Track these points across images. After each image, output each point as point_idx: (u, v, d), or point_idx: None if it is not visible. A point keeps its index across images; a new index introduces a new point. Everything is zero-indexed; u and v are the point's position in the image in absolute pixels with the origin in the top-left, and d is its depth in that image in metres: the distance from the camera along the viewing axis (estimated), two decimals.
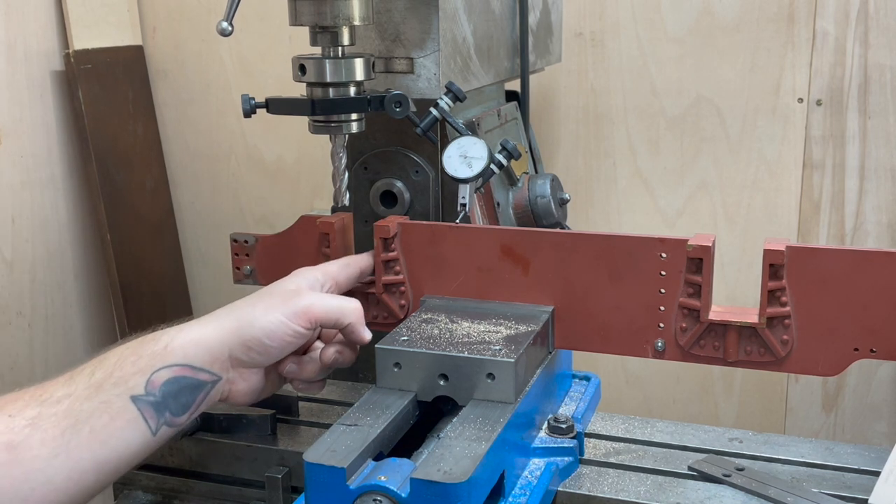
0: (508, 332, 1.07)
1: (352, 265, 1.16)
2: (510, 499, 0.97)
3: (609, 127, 1.91)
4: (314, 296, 1.04)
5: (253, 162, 2.17)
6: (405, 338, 1.05)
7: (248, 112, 1.20)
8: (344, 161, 1.24)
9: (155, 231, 2.17)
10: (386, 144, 1.32)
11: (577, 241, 1.12)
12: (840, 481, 1.07)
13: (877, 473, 0.98)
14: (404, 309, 1.20)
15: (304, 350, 1.10)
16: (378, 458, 0.92)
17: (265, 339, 1.00)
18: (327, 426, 0.97)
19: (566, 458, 1.08)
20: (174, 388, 0.95)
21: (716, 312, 1.08)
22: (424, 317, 1.12)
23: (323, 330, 1.12)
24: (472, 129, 1.31)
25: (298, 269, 1.12)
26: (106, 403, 0.92)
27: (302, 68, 1.18)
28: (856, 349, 1.04)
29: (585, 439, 1.15)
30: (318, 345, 1.12)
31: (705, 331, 1.08)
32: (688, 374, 1.94)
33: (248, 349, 1.00)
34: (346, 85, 1.18)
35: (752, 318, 1.06)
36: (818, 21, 1.73)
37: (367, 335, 1.08)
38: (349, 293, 1.15)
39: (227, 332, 0.99)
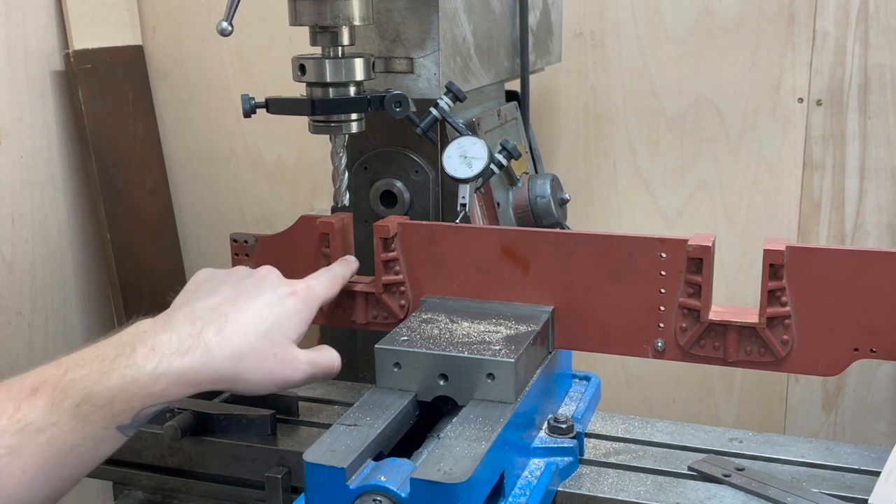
0: (508, 332, 1.07)
1: (335, 285, 1.13)
2: (510, 499, 0.97)
3: (609, 127, 1.91)
4: (301, 367, 1.02)
5: (253, 162, 2.17)
6: (405, 338, 1.05)
7: (248, 112, 1.20)
8: (344, 161, 1.24)
9: (155, 231, 2.17)
10: (386, 144, 1.32)
11: (577, 241, 1.12)
12: (840, 481, 1.07)
13: (877, 473, 0.98)
14: (404, 309, 1.20)
15: None
16: (378, 458, 0.92)
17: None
18: (327, 426, 0.97)
19: (566, 458, 1.08)
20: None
21: (716, 312, 1.08)
22: (424, 317, 1.12)
23: None
24: (472, 129, 1.31)
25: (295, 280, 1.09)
26: (93, 435, 0.92)
27: (302, 68, 1.18)
28: (856, 349, 1.04)
29: (585, 439, 1.15)
30: None
31: (705, 331, 1.08)
32: (688, 374, 1.94)
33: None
34: (346, 85, 1.18)
35: (752, 318, 1.06)
36: (818, 21, 1.73)
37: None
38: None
39: (218, 377, 0.98)
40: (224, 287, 1.06)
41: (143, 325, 1.00)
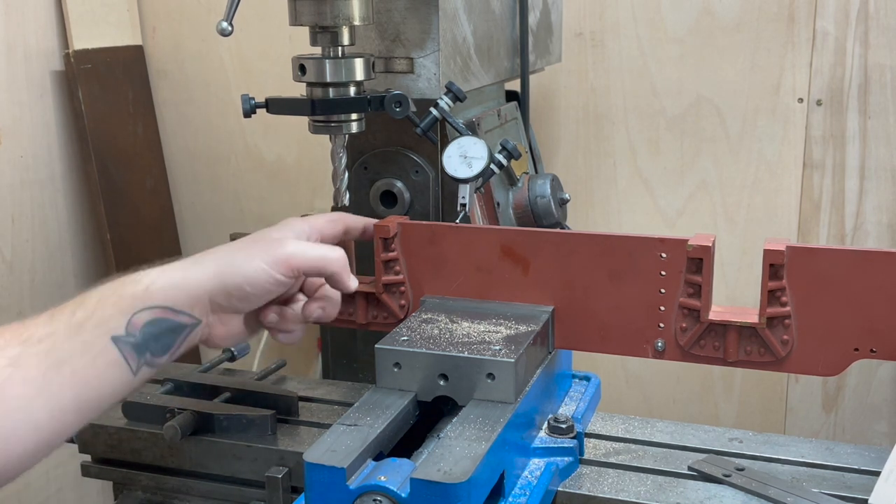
0: (508, 332, 1.07)
1: (338, 221, 1.15)
2: (510, 499, 0.97)
3: (609, 127, 1.91)
4: (297, 245, 1.04)
5: (253, 162, 2.17)
6: (405, 338, 1.05)
7: (248, 112, 1.20)
8: (344, 161, 1.24)
9: (155, 231, 2.17)
10: (386, 144, 1.32)
11: (577, 241, 1.12)
12: (840, 481, 1.07)
13: (877, 473, 0.98)
14: (404, 309, 1.20)
15: (285, 300, 1.10)
16: (378, 458, 0.92)
17: (246, 286, 1.00)
18: (327, 426, 0.97)
19: (566, 458, 1.08)
20: (154, 329, 0.95)
21: (716, 312, 1.08)
22: (424, 317, 1.12)
23: (307, 282, 1.11)
24: (472, 129, 1.31)
25: (284, 219, 1.11)
26: (87, 343, 0.92)
27: (302, 68, 1.18)
28: (856, 349, 1.04)
29: (585, 439, 1.15)
30: (300, 297, 1.12)
31: (705, 331, 1.08)
32: (688, 374, 1.94)
33: (228, 295, 1.00)
34: (346, 85, 1.18)
35: (752, 318, 1.06)
36: (818, 21, 1.73)
37: (352, 284, 1.07)
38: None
39: (208, 277, 0.99)
40: None
41: None
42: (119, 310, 0.94)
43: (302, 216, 1.30)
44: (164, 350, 0.97)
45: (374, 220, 1.20)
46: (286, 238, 1.05)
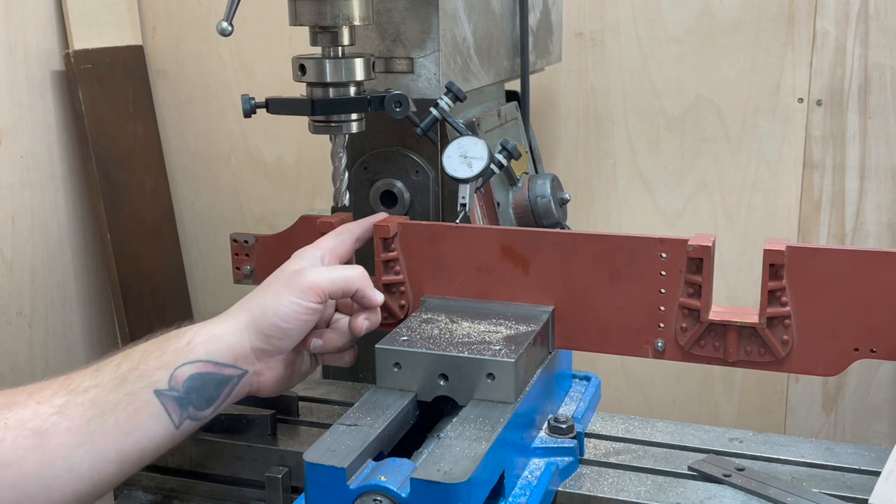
0: (508, 332, 1.07)
1: (345, 234, 1.17)
2: (510, 499, 0.97)
3: (609, 127, 1.91)
4: (317, 271, 1.06)
5: (253, 162, 2.17)
6: (405, 338, 1.05)
7: (248, 112, 1.20)
8: (344, 161, 1.24)
9: (155, 231, 2.17)
10: (386, 144, 1.32)
11: (577, 241, 1.12)
12: (840, 481, 1.07)
13: (877, 473, 0.98)
14: (404, 309, 1.20)
15: (325, 324, 1.13)
16: (378, 458, 0.92)
17: (282, 324, 1.02)
18: (327, 426, 0.97)
19: (566, 458, 1.08)
20: (198, 383, 0.97)
21: (716, 312, 1.08)
22: (424, 317, 1.12)
23: (339, 303, 1.14)
24: (472, 129, 1.31)
25: (298, 250, 1.13)
26: (131, 395, 0.93)
27: (302, 68, 1.18)
28: (856, 349, 1.04)
29: (585, 439, 1.15)
30: (339, 316, 1.15)
31: (705, 331, 1.08)
32: (688, 374, 1.94)
33: (267, 337, 1.02)
34: (346, 85, 1.18)
35: (752, 318, 1.06)
36: (818, 21, 1.73)
37: (378, 297, 1.10)
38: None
39: (244, 326, 1.02)
40: None
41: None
42: (162, 364, 0.96)
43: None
44: (209, 403, 0.99)
45: (376, 217, 1.21)
46: (304, 268, 1.07)
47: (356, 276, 1.08)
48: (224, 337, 1.00)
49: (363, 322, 1.10)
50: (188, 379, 0.96)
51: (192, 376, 0.97)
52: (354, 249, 1.18)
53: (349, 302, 1.13)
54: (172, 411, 0.95)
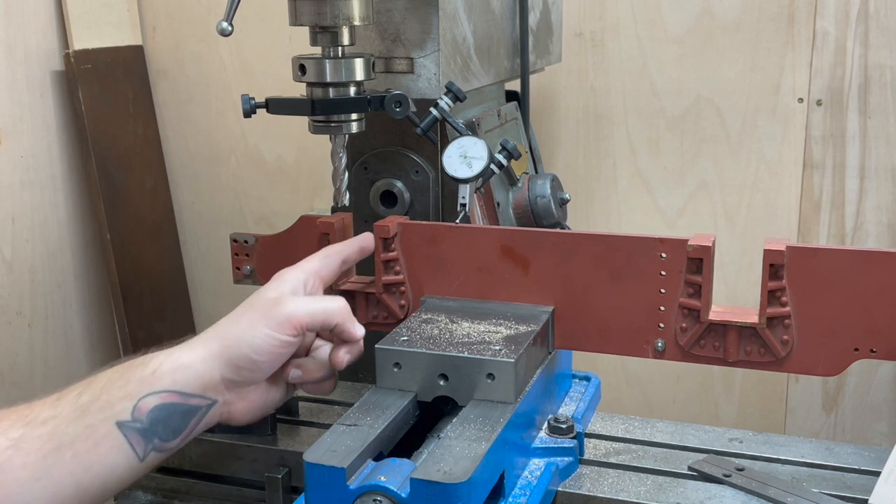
0: (508, 332, 1.07)
1: (332, 256, 1.12)
2: (510, 499, 0.97)
3: (609, 127, 1.91)
4: (296, 302, 1.00)
5: (253, 162, 2.17)
6: (405, 338, 1.05)
7: (248, 112, 1.20)
8: (344, 161, 1.24)
9: (155, 231, 2.17)
10: (386, 144, 1.32)
11: (577, 241, 1.12)
12: (840, 481, 1.07)
13: (877, 473, 0.98)
14: (404, 309, 1.20)
15: (305, 352, 1.08)
16: (378, 458, 0.92)
17: (254, 356, 0.97)
18: (327, 426, 0.97)
19: (566, 459, 1.08)
20: (163, 413, 0.93)
21: (716, 312, 1.08)
22: (424, 317, 1.12)
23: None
24: (472, 129, 1.31)
25: (279, 271, 1.08)
26: (91, 428, 0.89)
27: (302, 68, 1.18)
28: (856, 349, 1.04)
29: (585, 439, 1.15)
30: (320, 343, 1.10)
31: (705, 331, 1.08)
32: (688, 374, 1.94)
33: (238, 368, 0.97)
34: (346, 85, 1.18)
35: (752, 318, 1.06)
36: (818, 21, 1.73)
37: (358, 332, 1.04)
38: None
39: (214, 355, 0.96)
40: None
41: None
42: (125, 394, 0.92)
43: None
44: (175, 434, 0.94)
45: (363, 237, 1.17)
46: (283, 296, 1.01)
47: (336, 309, 1.02)
48: (193, 365, 0.95)
49: (344, 356, 1.04)
50: (153, 410, 0.92)
51: (157, 407, 0.92)
52: (342, 271, 1.13)
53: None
54: (136, 443, 0.91)
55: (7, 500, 0.85)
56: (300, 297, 1.03)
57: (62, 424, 0.89)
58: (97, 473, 0.90)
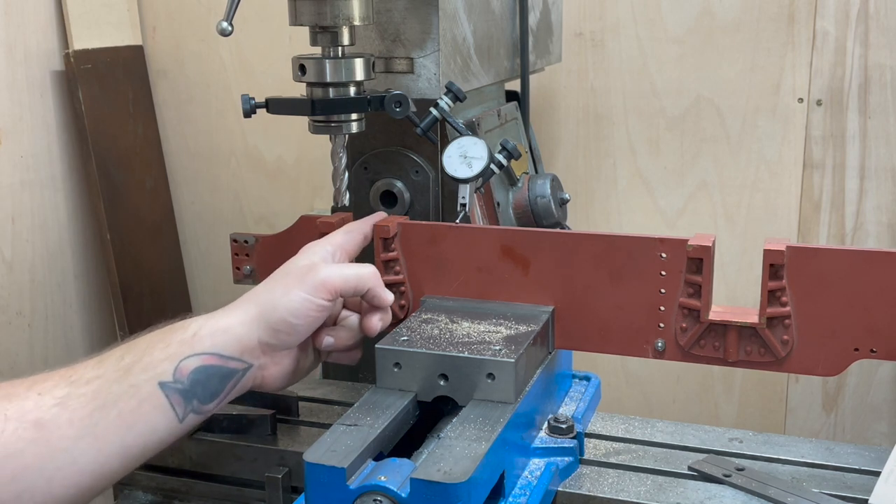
0: (508, 332, 1.07)
1: (354, 231, 1.16)
2: (510, 499, 0.97)
3: (609, 127, 1.91)
4: (330, 268, 1.04)
5: (253, 162, 2.17)
6: (405, 338, 1.05)
7: (248, 112, 1.20)
8: (344, 161, 1.24)
9: (155, 231, 2.17)
10: (386, 144, 1.32)
11: (577, 241, 1.12)
12: (840, 481, 1.07)
13: (877, 473, 0.98)
14: (404, 309, 1.20)
15: (333, 321, 1.12)
16: (378, 458, 0.92)
17: (291, 319, 1.00)
18: (327, 426, 0.97)
19: (566, 459, 1.08)
20: (202, 376, 0.96)
21: (716, 312, 1.08)
22: (424, 317, 1.12)
23: (348, 299, 1.13)
24: (472, 129, 1.31)
25: (307, 244, 1.12)
26: (134, 387, 0.92)
27: (302, 68, 1.18)
28: (856, 349, 1.04)
29: (585, 439, 1.15)
30: (347, 313, 1.13)
31: (705, 331, 1.08)
32: (688, 374, 1.94)
33: (275, 332, 1.00)
34: (346, 85, 1.18)
35: (752, 318, 1.06)
36: (818, 21, 1.73)
37: (388, 297, 1.09)
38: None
39: (253, 319, 1.00)
40: None
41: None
42: (167, 356, 0.95)
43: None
44: (213, 397, 0.97)
45: (378, 214, 1.21)
46: (316, 264, 1.06)
47: (368, 274, 1.06)
48: (232, 329, 0.99)
49: (377, 322, 1.09)
50: (193, 371, 0.95)
51: (198, 369, 0.95)
52: (362, 247, 1.17)
53: (357, 300, 1.12)
54: (177, 404, 0.94)
55: (53, 457, 0.87)
56: (332, 264, 1.07)
57: (106, 384, 0.91)
58: (140, 433, 0.92)
